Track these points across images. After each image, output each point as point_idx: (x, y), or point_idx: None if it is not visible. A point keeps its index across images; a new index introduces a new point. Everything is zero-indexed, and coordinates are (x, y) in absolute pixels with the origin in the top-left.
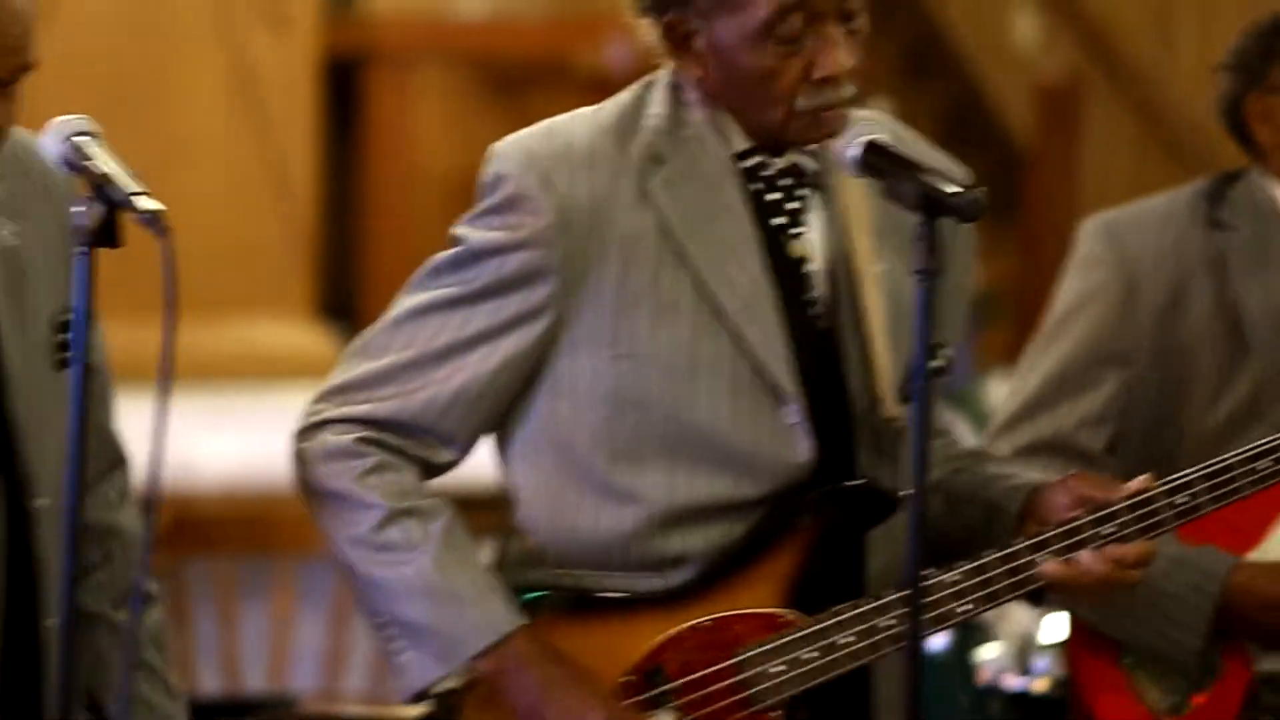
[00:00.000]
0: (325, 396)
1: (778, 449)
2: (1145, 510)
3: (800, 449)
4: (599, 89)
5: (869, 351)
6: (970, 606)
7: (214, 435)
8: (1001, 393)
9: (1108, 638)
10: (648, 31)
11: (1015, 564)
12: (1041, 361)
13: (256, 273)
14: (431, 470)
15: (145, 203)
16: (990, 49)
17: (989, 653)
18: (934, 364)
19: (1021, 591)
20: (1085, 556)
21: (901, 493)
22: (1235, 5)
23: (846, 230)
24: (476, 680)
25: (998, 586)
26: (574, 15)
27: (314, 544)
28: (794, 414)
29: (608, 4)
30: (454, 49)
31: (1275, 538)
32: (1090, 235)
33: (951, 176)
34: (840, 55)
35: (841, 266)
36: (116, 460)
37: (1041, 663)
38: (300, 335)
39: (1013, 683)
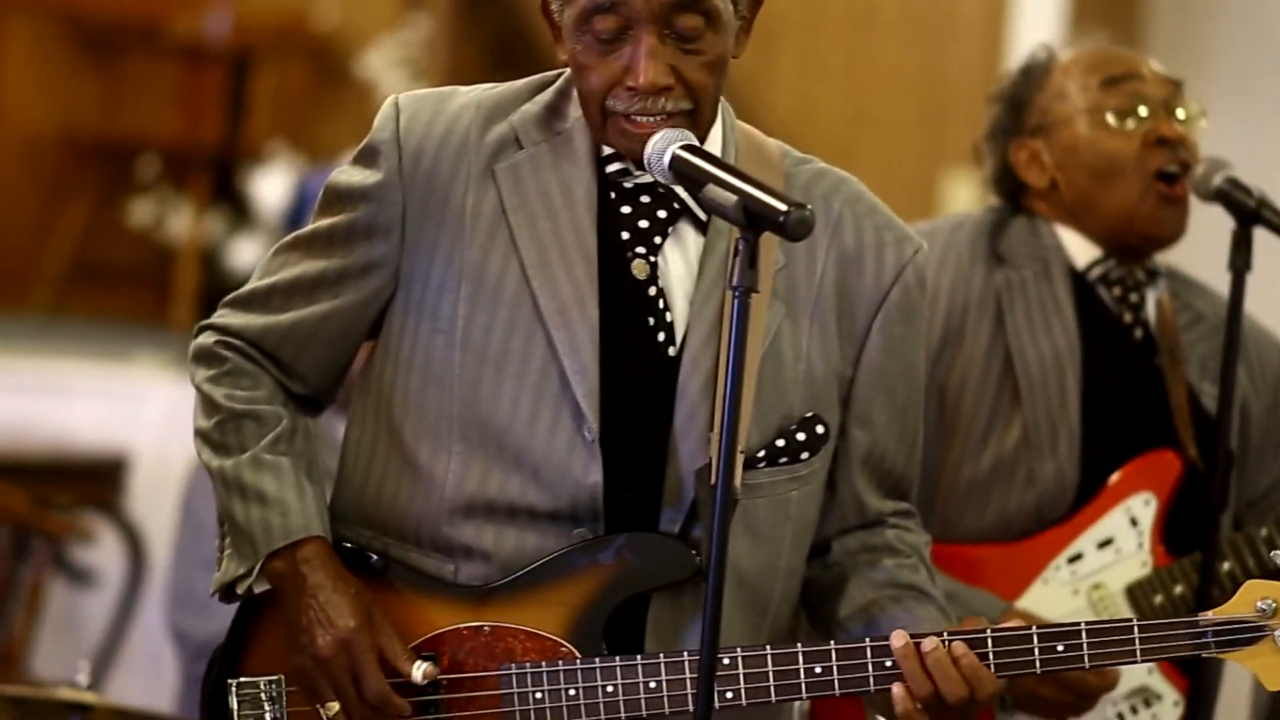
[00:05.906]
0: (225, 302)
1: (568, 464)
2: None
3: (589, 470)
4: (194, 56)
5: (733, 409)
6: (731, 695)
7: None
8: None
9: None
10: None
11: (786, 667)
12: None
13: None
14: (292, 398)
15: None
16: None
17: None
18: (800, 436)
19: (786, 697)
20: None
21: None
22: (838, 24)
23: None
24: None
25: (767, 684)
26: None
27: None
28: (589, 432)
29: None
30: (43, 2)
31: (1039, 584)
32: None
33: (778, 193)
34: (647, 67)
35: (711, 309)
36: None
37: None
38: None
39: None
